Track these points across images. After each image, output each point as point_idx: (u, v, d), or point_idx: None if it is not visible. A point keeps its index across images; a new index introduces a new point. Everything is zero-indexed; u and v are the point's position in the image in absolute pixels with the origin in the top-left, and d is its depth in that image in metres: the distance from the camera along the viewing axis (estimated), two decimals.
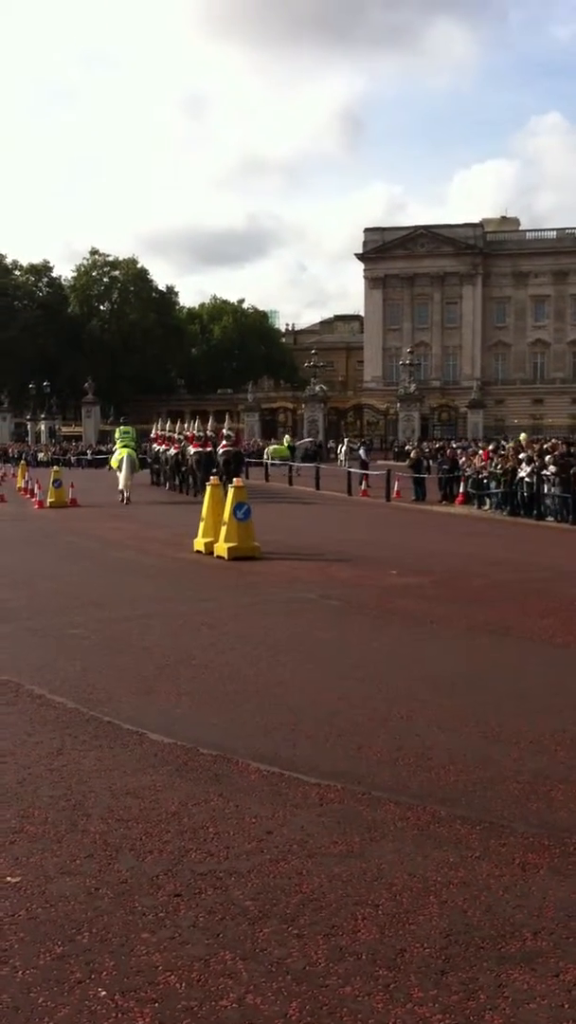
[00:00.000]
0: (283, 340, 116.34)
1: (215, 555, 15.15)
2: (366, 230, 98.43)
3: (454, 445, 44.35)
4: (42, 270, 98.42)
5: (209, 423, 36.72)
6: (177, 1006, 3.22)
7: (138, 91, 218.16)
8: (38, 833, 4.65)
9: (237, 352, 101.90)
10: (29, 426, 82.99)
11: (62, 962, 3.49)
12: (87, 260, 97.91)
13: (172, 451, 33.07)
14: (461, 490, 27.76)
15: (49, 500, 27.43)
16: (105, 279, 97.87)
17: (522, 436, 30.43)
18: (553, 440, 33.24)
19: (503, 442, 42.13)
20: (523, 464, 24.18)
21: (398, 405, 71.64)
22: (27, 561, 15.82)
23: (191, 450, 30.76)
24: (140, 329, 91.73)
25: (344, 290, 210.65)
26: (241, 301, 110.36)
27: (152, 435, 39.02)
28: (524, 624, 10.00)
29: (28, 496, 30.86)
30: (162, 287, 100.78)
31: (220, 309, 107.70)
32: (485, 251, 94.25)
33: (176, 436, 34.05)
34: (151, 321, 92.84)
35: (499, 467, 25.31)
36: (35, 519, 24.46)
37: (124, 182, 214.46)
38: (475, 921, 3.78)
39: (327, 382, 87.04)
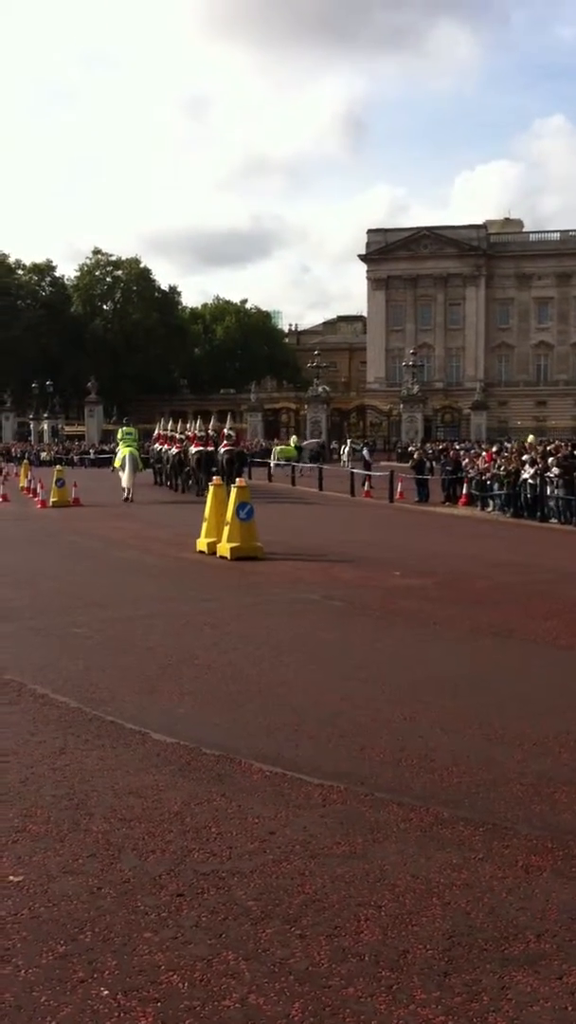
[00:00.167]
0: (286, 341, 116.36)
1: (218, 555, 15.15)
2: (369, 231, 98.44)
3: (457, 447, 44.29)
4: (45, 270, 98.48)
5: (211, 423, 36.78)
6: (179, 1006, 3.21)
7: (140, 91, 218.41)
8: (41, 832, 4.65)
9: (240, 352, 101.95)
10: (32, 425, 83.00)
11: (64, 961, 3.49)
12: (90, 260, 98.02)
13: (174, 451, 33.11)
14: (464, 491, 27.75)
15: (52, 499, 27.44)
16: (108, 279, 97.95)
17: (530, 438, 30.43)
18: (556, 442, 33.24)
19: (506, 443, 42.15)
20: (527, 466, 24.17)
21: (401, 406, 71.63)
22: (30, 560, 15.82)
23: (193, 450, 30.84)
24: (143, 329, 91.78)
25: (347, 291, 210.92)
26: (244, 301, 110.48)
27: (155, 435, 39.09)
28: (527, 626, 9.99)
29: (31, 495, 30.85)
30: (165, 287, 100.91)
31: (223, 309, 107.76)
32: (488, 253, 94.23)
33: (178, 436, 34.10)
34: (154, 321, 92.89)
35: (502, 469, 25.30)
36: (38, 518, 24.46)
37: (127, 182, 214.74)
38: (478, 923, 3.77)
39: (330, 383, 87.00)
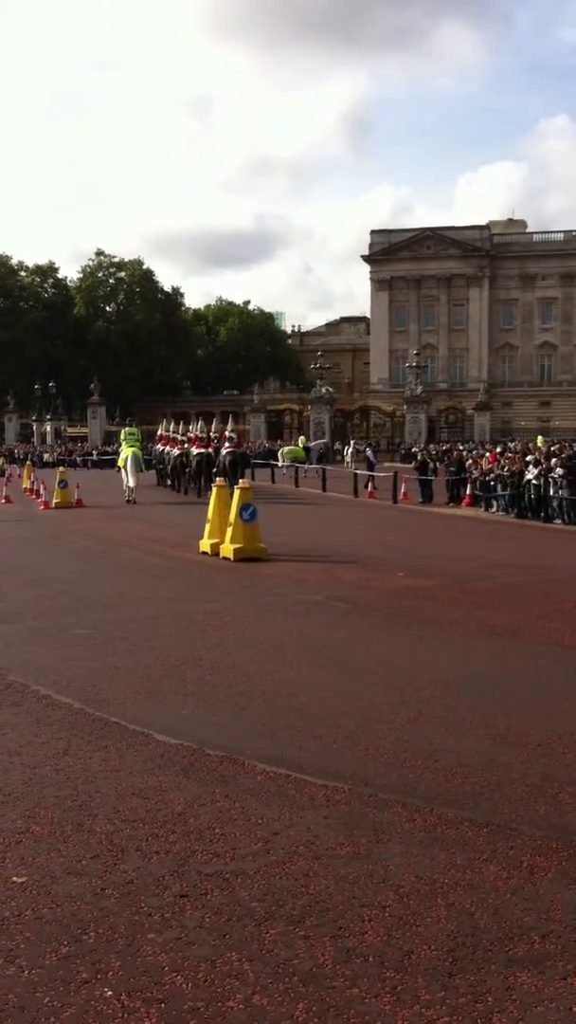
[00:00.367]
0: (289, 342, 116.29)
1: (221, 556, 15.15)
2: (372, 232, 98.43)
3: (461, 447, 44.25)
4: (48, 271, 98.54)
5: (213, 424, 36.82)
6: (183, 1006, 3.21)
7: (144, 93, 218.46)
8: (44, 833, 4.65)
9: (243, 353, 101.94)
10: (35, 427, 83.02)
11: (68, 962, 3.49)
12: (93, 261, 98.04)
13: (176, 452, 33.20)
14: (468, 492, 27.73)
15: (55, 501, 27.47)
16: (111, 280, 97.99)
17: (539, 440, 30.38)
18: (561, 442, 33.21)
19: (509, 444, 42.12)
20: (530, 466, 24.16)
21: (404, 407, 71.57)
22: (33, 562, 15.83)
23: (193, 451, 30.92)
24: (146, 330, 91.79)
25: (350, 292, 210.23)
26: (247, 303, 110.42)
27: (157, 436, 39.18)
28: (532, 626, 9.98)
29: (34, 497, 30.88)
30: (168, 288, 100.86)
31: (226, 311, 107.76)
32: (492, 253, 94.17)
33: (179, 438, 34.19)
34: (157, 322, 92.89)
35: (506, 469, 25.28)
36: (41, 520, 24.48)
37: (130, 183, 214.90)
38: (483, 923, 3.76)
39: (333, 384, 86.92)
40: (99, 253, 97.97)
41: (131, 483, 28.26)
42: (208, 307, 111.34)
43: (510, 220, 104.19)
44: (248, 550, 14.86)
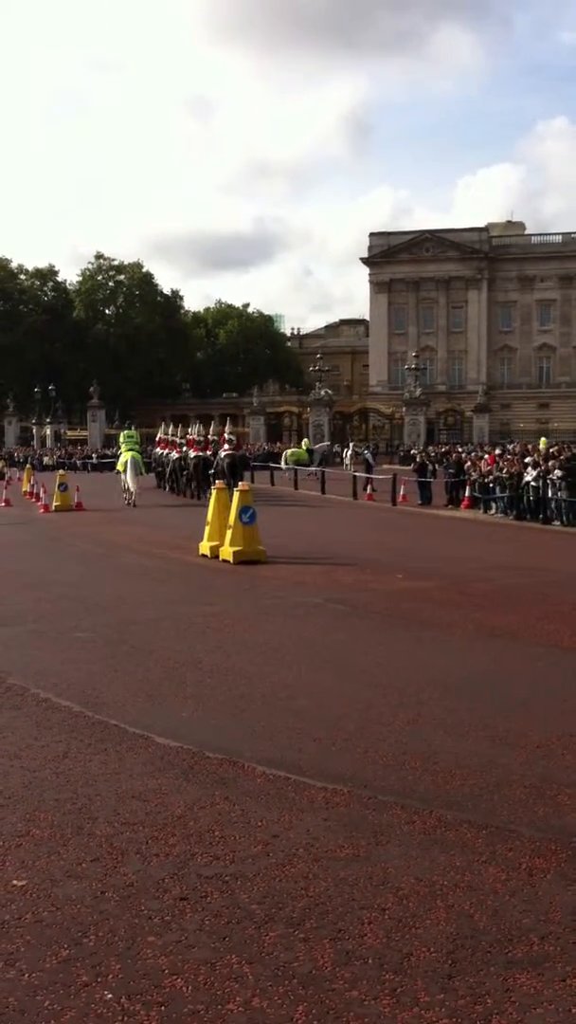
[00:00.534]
0: (288, 344, 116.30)
1: (220, 559, 15.15)
2: (371, 234, 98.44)
3: (460, 449, 44.26)
4: (47, 274, 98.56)
5: (212, 427, 36.89)
6: (183, 1009, 3.21)
7: (144, 96, 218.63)
8: (44, 836, 4.65)
9: (242, 356, 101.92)
10: (34, 430, 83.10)
11: (68, 965, 3.49)
12: (92, 264, 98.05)
13: (174, 455, 33.30)
14: (467, 494, 27.74)
15: (55, 504, 27.49)
16: (110, 283, 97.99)
17: (543, 441, 30.40)
18: (560, 444, 33.22)
19: (508, 446, 42.11)
20: (529, 468, 24.17)
21: (404, 409, 71.60)
22: (33, 565, 15.84)
23: (191, 454, 31.00)
24: (145, 333, 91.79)
25: (350, 294, 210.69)
26: (246, 305, 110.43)
27: (157, 439, 39.28)
28: (530, 628, 9.99)
29: (34, 500, 30.91)
30: (167, 291, 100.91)
31: (225, 313, 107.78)
32: (491, 255, 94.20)
33: (178, 440, 34.28)
34: (156, 325, 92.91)
35: (505, 471, 25.29)
36: (41, 523, 24.49)
37: (130, 186, 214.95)
38: (482, 925, 3.77)
39: (332, 386, 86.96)
40: (98, 256, 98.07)
41: (131, 487, 28.31)
42: (207, 310, 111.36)
43: (509, 222, 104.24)
44: (247, 553, 14.86)
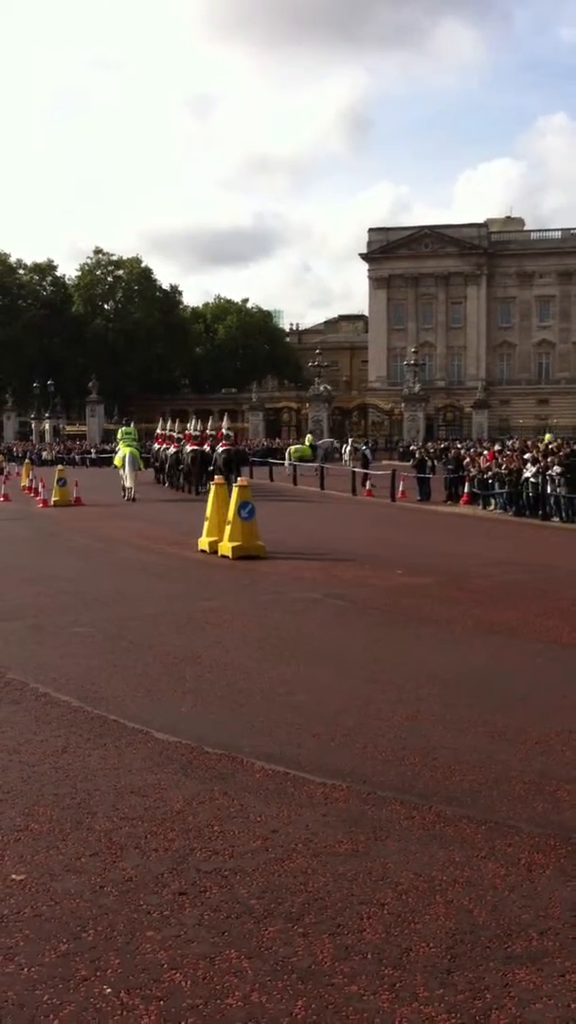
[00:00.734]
0: (287, 340, 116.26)
1: (219, 554, 15.15)
2: (371, 230, 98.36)
3: (459, 445, 44.24)
4: (46, 269, 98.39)
5: (210, 422, 36.96)
6: (182, 1004, 3.21)
7: (144, 92, 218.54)
8: (43, 831, 4.65)
9: (241, 352, 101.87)
10: (33, 425, 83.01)
11: (67, 959, 3.49)
12: (91, 259, 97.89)
13: (172, 450, 33.36)
14: (466, 490, 27.74)
15: (53, 499, 27.46)
16: (109, 278, 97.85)
17: (547, 436, 30.38)
18: (559, 440, 33.22)
19: (507, 442, 42.11)
20: (528, 464, 24.17)
21: (403, 405, 71.60)
22: (32, 560, 15.82)
23: (188, 449, 31.08)
24: (144, 328, 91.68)
25: (349, 290, 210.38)
26: (245, 300, 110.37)
27: (155, 434, 39.37)
28: (529, 624, 9.99)
29: (32, 495, 30.88)
30: (166, 286, 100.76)
31: (224, 309, 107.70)
32: (490, 251, 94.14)
33: (175, 435, 34.35)
34: (155, 320, 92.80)
35: (504, 467, 25.29)
36: (39, 518, 24.47)
37: (129, 182, 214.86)
38: (481, 921, 3.77)
39: (331, 382, 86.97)
40: (97, 251, 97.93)
41: (128, 482, 28.37)
42: (206, 305, 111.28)
43: (508, 218, 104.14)
44: (246, 548, 14.86)
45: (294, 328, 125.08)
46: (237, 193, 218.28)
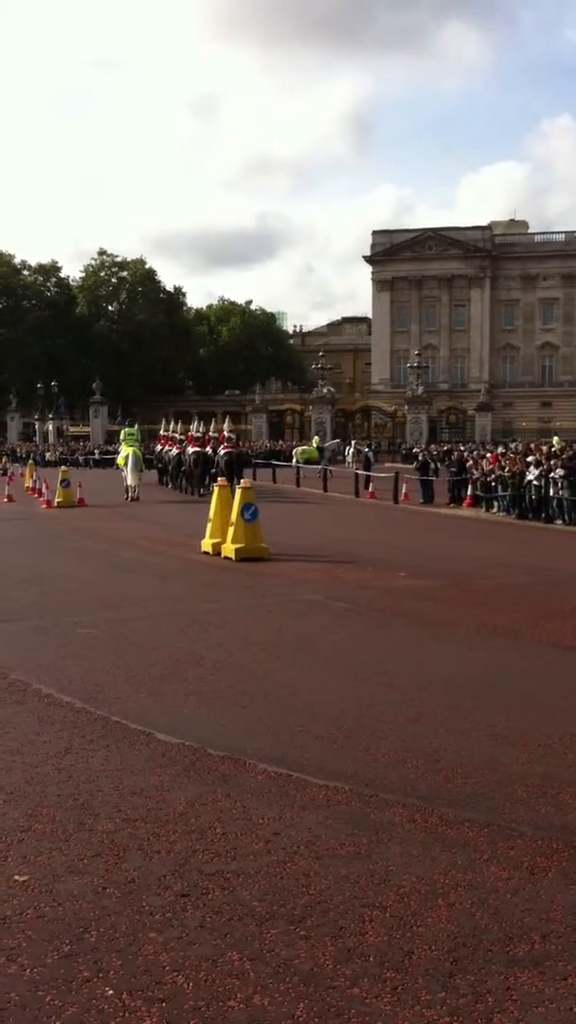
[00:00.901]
0: (291, 342, 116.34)
1: (222, 556, 15.15)
2: (374, 232, 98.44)
3: (462, 448, 44.23)
4: (50, 270, 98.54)
5: (212, 424, 37.04)
6: (184, 1006, 3.21)
7: (147, 93, 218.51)
8: (46, 832, 4.65)
9: (245, 353, 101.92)
10: (37, 426, 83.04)
11: (70, 961, 3.49)
12: (95, 260, 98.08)
13: (174, 452, 33.47)
14: (469, 493, 27.72)
15: (57, 500, 27.50)
16: (113, 280, 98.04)
17: (556, 440, 30.35)
18: (564, 443, 33.15)
19: (510, 445, 42.08)
20: (531, 467, 24.15)
21: (406, 407, 71.63)
22: (35, 560, 15.83)
23: (189, 450, 31.19)
24: (148, 330, 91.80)
25: (352, 292, 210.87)
26: (249, 302, 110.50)
27: (158, 436, 39.51)
28: (532, 626, 9.98)
29: (36, 496, 30.92)
30: (170, 288, 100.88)
31: (228, 310, 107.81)
32: (493, 254, 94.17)
33: (177, 437, 34.50)
34: (159, 322, 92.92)
35: (507, 470, 25.28)
36: (43, 519, 24.49)
37: (132, 183, 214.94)
38: (483, 924, 3.76)
39: (335, 384, 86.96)
40: (101, 252, 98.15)
41: (131, 482, 28.45)
42: (210, 307, 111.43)
43: (512, 220, 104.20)
44: (250, 550, 14.86)
45: (297, 330, 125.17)
46: (240, 194, 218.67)
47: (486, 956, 3.52)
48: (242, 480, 17.44)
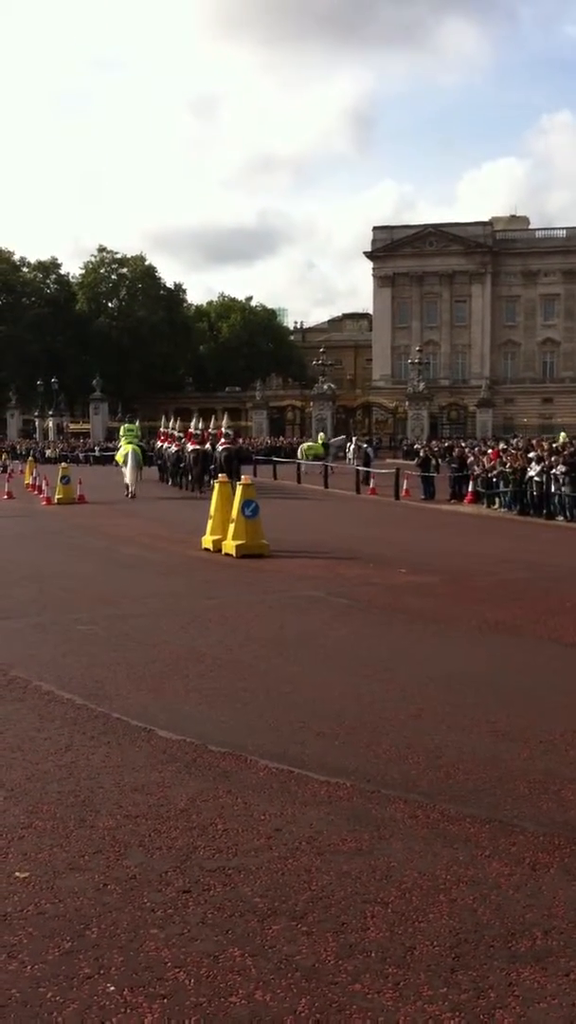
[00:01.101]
0: (291, 338, 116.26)
1: (223, 552, 15.15)
2: (375, 228, 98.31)
3: (463, 444, 44.19)
4: (50, 267, 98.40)
5: (212, 421, 37.14)
6: (186, 1002, 3.21)
7: (148, 91, 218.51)
8: (47, 829, 4.65)
9: (245, 350, 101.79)
10: (37, 423, 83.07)
11: (71, 957, 3.49)
12: (95, 257, 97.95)
13: (173, 448, 33.52)
14: (470, 489, 27.71)
15: (57, 496, 27.50)
16: (113, 276, 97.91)
17: (562, 436, 30.37)
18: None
19: (511, 440, 42.06)
20: (532, 463, 24.14)
21: (407, 404, 71.63)
22: (35, 557, 15.83)
23: (189, 447, 31.25)
24: (148, 326, 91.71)
25: (353, 288, 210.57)
26: (249, 299, 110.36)
27: (158, 432, 39.61)
28: (533, 623, 9.97)
29: (36, 492, 30.92)
30: (170, 285, 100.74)
31: (228, 307, 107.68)
32: (494, 250, 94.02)
33: (176, 434, 34.58)
34: (159, 318, 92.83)
35: (508, 466, 25.26)
36: (43, 515, 24.49)
37: (133, 180, 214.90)
38: (485, 920, 3.76)
39: (335, 380, 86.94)
40: (101, 249, 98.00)
41: (129, 480, 28.48)
42: (210, 303, 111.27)
43: (513, 216, 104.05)
44: (250, 546, 14.85)
45: (298, 326, 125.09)
46: (241, 191, 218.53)
47: (488, 952, 3.52)
48: (243, 477, 17.44)
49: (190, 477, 30.95)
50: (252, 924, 3.72)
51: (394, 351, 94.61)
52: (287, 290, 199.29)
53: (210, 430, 33.95)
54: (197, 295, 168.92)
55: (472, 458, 29.97)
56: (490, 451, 31.79)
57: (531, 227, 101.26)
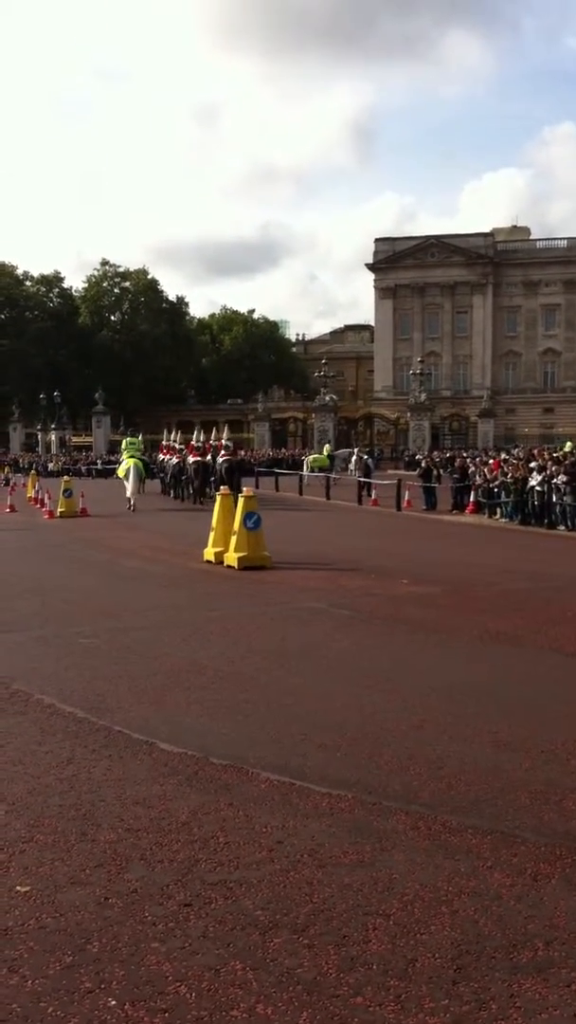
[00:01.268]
0: (293, 350, 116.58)
1: (225, 565, 15.15)
2: (376, 240, 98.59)
3: (464, 454, 44.23)
4: (53, 281, 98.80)
5: (212, 434, 37.32)
6: (187, 1016, 3.20)
7: (149, 103, 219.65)
8: (48, 842, 4.65)
9: (247, 362, 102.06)
10: (39, 436, 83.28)
11: (72, 971, 3.48)
12: (98, 271, 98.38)
13: (174, 461, 33.70)
14: (472, 499, 27.72)
15: (59, 510, 27.53)
16: (116, 290, 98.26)
17: (568, 445, 30.41)
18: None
19: (513, 451, 42.09)
20: (534, 473, 24.16)
21: (408, 415, 71.74)
22: (37, 571, 15.84)
23: (190, 460, 31.40)
24: (150, 339, 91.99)
25: (354, 300, 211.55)
26: (251, 311, 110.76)
27: (160, 445, 39.83)
28: (535, 633, 9.97)
29: (38, 506, 30.96)
30: (172, 298, 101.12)
31: (230, 319, 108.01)
32: (496, 260, 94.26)
33: (177, 446, 34.78)
34: (161, 331, 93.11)
35: (510, 476, 25.28)
36: (45, 529, 24.51)
37: (135, 193, 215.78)
38: (487, 931, 3.75)
39: (337, 392, 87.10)
40: (104, 263, 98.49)
41: (132, 492, 28.54)
42: (213, 316, 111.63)
43: (514, 227, 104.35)
44: (252, 558, 14.86)
45: (300, 338, 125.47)
46: (242, 203, 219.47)
47: (489, 963, 3.51)
48: (244, 488, 17.46)
49: (192, 489, 31.13)
50: (253, 937, 3.71)
51: (396, 362, 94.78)
52: (289, 302, 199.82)
53: (210, 442, 34.10)
54: (199, 308, 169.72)
55: (473, 468, 30.00)
56: (491, 461, 31.82)
57: (532, 238, 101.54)
